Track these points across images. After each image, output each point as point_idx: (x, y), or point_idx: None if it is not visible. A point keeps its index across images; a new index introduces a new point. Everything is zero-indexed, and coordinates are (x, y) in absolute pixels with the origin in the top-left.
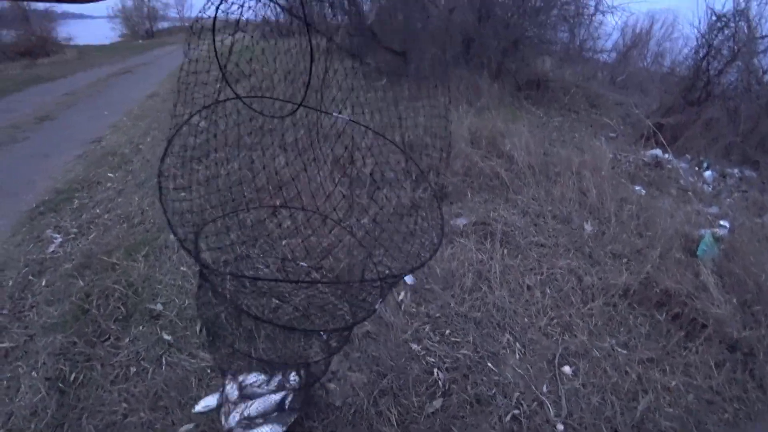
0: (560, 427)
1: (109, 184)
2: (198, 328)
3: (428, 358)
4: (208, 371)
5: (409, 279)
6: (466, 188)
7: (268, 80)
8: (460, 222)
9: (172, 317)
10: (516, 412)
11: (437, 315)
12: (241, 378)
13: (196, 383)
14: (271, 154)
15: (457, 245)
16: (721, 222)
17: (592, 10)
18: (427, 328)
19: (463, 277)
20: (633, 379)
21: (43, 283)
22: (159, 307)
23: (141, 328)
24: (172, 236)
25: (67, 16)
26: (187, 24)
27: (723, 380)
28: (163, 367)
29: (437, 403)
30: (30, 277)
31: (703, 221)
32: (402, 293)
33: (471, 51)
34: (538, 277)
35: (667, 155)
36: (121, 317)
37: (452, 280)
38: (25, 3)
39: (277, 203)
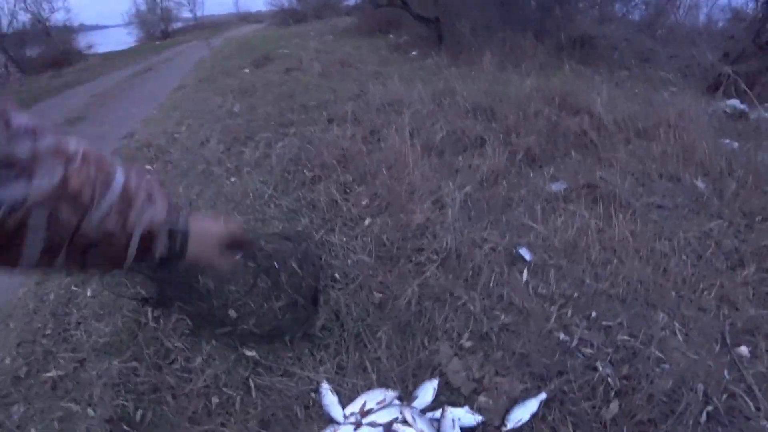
0: (764, 423)
1: (149, 176)
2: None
3: (584, 349)
4: (313, 394)
5: (526, 254)
6: (552, 149)
7: (296, 60)
8: (558, 187)
9: (250, 327)
10: (709, 409)
11: (575, 295)
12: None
13: (302, 412)
14: (322, 128)
15: (567, 212)
16: None
17: None
18: (569, 311)
19: (588, 249)
20: None
21: (89, 294)
22: (233, 313)
23: (214, 343)
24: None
25: (85, 28)
26: (201, 21)
27: None
28: (253, 393)
29: (614, 406)
30: (73, 288)
31: None
32: (524, 272)
33: (508, 12)
34: (669, 244)
35: (744, 105)
36: (187, 331)
37: (576, 253)
38: (45, 18)
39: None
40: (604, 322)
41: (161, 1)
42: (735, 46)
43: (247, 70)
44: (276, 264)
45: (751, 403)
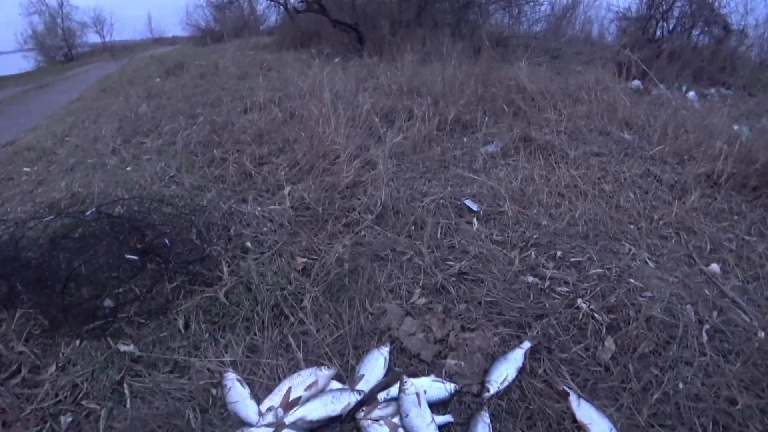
0: (761, 334)
1: (24, 178)
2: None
3: (558, 288)
4: (214, 390)
5: (472, 205)
6: (481, 116)
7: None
8: (493, 147)
9: (130, 315)
10: (707, 327)
11: (535, 236)
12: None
13: (197, 418)
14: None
15: (508, 166)
16: (735, 127)
17: None
18: (533, 253)
19: (538, 194)
20: None
21: None
22: (108, 303)
23: (78, 343)
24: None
25: None
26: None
27: None
28: (128, 402)
29: (609, 343)
30: None
31: (721, 123)
32: (473, 221)
33: (425, 15)
34: (616, 183)
35: (645, 86)
36: (37, 332)
37: (525, 199)
38: None
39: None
40: (572, 259)
41: (62, 21)
42: (629, 40)
43: (158, 80)
44: (167, 242)
45: (742, 314)
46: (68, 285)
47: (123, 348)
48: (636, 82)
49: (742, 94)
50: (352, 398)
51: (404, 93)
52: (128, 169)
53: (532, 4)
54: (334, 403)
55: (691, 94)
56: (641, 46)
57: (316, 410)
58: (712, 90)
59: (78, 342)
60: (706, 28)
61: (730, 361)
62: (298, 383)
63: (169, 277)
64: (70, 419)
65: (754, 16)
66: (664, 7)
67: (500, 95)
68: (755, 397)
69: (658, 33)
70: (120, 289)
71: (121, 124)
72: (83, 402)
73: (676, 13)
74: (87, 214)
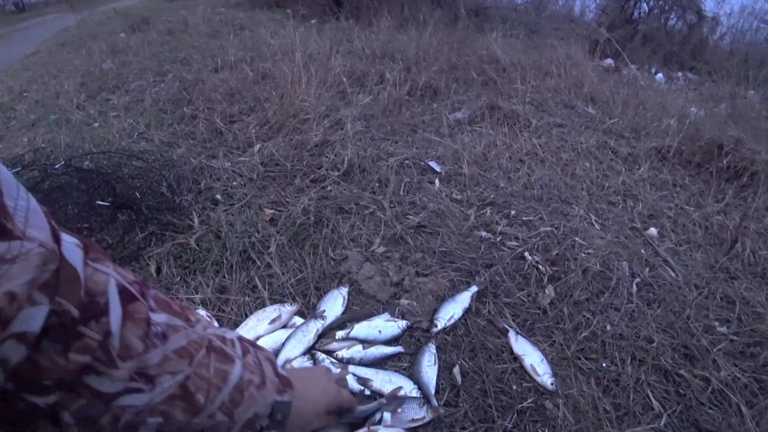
0: (683, 286)
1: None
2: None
3: (509, 243)
4: None
5: (436, 166)
6: (452, 84)
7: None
8: (461, 115)
9: None
10: (638, 281)
11: (492, 197)
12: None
13: None
14: (208, 73)
15: (474, 132)
16: (692, 109)
17: None
18: (488, 211)
19: (498, 158)
20: (716, 230)
21: None
22: None
23: None
24: None
25: None
26: None
27: None
28: None
29: (550, 290)
30: None
31: (678, 104)
32: (435, 181)
33: None
34: (573, 152)
35: (617, 66)
36: None
37: (486, 163)
38: None
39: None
40: (524, 218)
41: None
42: (606, 18)
43: (122, 35)
44: (137, 194)
45: (670, 271)
46: None
47: None
48: (609, 61)
49: (706, 80)
50: (318, 324)
51: (378, 58)
52: (95, 125)
53: None
54: (305, 335)
55: (659, 76)
56: (618, 26)
57: (293, 348)
58: (680, 74)
59: None
60: (682, 13)
61: (653, 308)
62: (262, 318)
63: (140, 226)
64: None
65: (729, 4)
66: None
67: (472, 64)
68: (669, 337)
69: (636, 14)
70: (91, 239)
71: (84, 79)
72: None
73: None
74: (56, 167)
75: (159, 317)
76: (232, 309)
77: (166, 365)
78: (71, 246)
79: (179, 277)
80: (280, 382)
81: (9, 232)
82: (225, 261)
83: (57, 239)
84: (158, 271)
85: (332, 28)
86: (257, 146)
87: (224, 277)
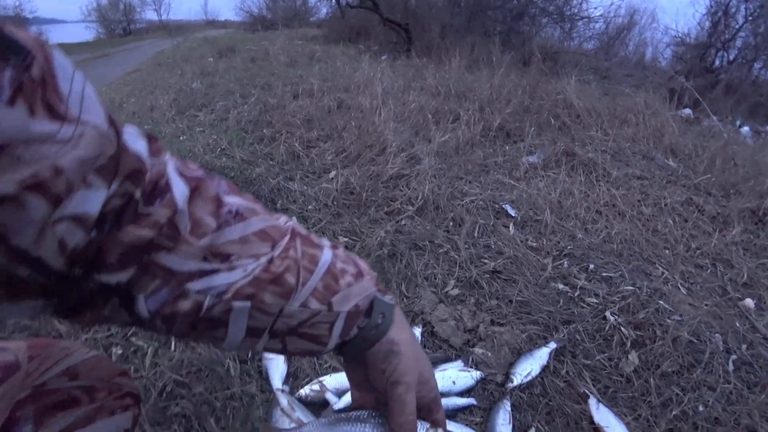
0: None
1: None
2: None
3: (588, 299)
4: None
5: (510, 210)
6: (526, 127)
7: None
8: (535, 159)
9: None
10: (734, 358)
11: (569, 248)
12: None
13: (236, 367)
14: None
15: (548, 177)
16: None
17: None
18: (566, 263)
19: (575, 208)
20: None
21: None
22: None
23: None
24: None
25: (39, 21)
26: (166, 23)
27: None
28: (172, 345)
29: (633, 357)
30: None
31: None
32: (510, 225)
33: (475, 22)
34: (655, 207)
35: (694, 115)
36: None
37: (562, 211)
38: None
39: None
40: (604, 273)
41: None
42: (684, 67)
43: (211, 59)
44: None
45: None
46: None
47: None
48: (687, 111)
49: None
50: None
51: (451, 96)
52: (182, 138)
53: (586, 20)
54: None
55: (745, 129)
56: (696, 75)
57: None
58: (767, 127)
59: None
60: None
61: (755, 392)
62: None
63: None
64: (120, 352)
65: None
66: (726, 36)
67: (546, 108)
68: None
69: (717, 62)
70: None
71: (176, 96)
72: (132, 339)
73: (738, 43)
74: None
75: (232, 198)
76: None
77: (246, 247)
78: (133, 135)
79: None
80: (376, 282)
81: (62, 115)
82: None
83: (115, 127)
84: None
85: (403, 65)
86: (333, 173)
87: None
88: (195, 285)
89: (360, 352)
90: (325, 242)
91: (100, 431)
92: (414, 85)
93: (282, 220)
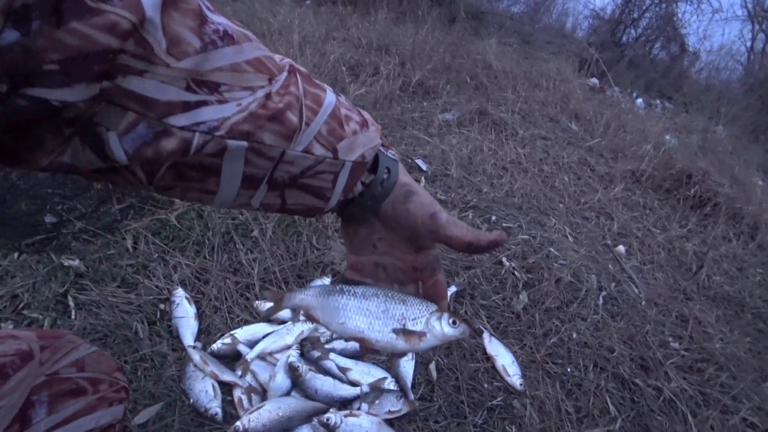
0: (643, 303)
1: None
2: None
3: None
4: (162, 305)
5: (422, 164)
6: (445, 84)
7: None
8: (451, 116)
9: (73, 231)
10: (604, 294)
11: (475, 200)
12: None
13: (145, 329)
14: None
15: (461, 135)
16: (666, 137)
17: None
18: (470, 215)
19: (483, 164)
20: (677, 254)
21: None
22: (49, 219)
23: (17, 256)
24: None
25: None
26: None
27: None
28: (73, 313)
29: (523, 296)
30: None
31: (655, 131)
32: (422, 180)
33: None
34: (555, 166)
35: (599, 84)
36: None
37: (471, 167)
38: None
39: None
40: (504, 224)
41: None
42: (597, 38)
43: None
44: None
45: (633, 287)
46: (4, 197)
47: (67, 262)
48: (594, 80)
49: (682, 110)
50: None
51: (373, 49)
52: None
53: None
54: (289, 334)
55: (640, 101)
56: (606, 48)
57: (275, 342)
58: (659, 101)
59: (17, 255)
60: (666, 44)
61: (616, 320)
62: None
63: (117, 197)
64: (11, 326)
65: (710, 42)
66: (635, 15)
67: (466, 68)
68: (628, 348)
69: (624, 38)
70: (63, 206)
71: None
72: (24, 311)
73: (644, 23)
74: None
75: (219, 17)
76: (211, 292)
77: (239, 77)
78: None
79: (157, 254)
80: (382, 135)
81: None
82: (206, 241)
83: None
84: (134, 246)
85: (328, 12)
86: None
87: (205, 258)
88: (178, 119)
89: (364, 212)
90: (327, 86)
91: (101, 419)
92: (336, 35)
93: (277, 56)
